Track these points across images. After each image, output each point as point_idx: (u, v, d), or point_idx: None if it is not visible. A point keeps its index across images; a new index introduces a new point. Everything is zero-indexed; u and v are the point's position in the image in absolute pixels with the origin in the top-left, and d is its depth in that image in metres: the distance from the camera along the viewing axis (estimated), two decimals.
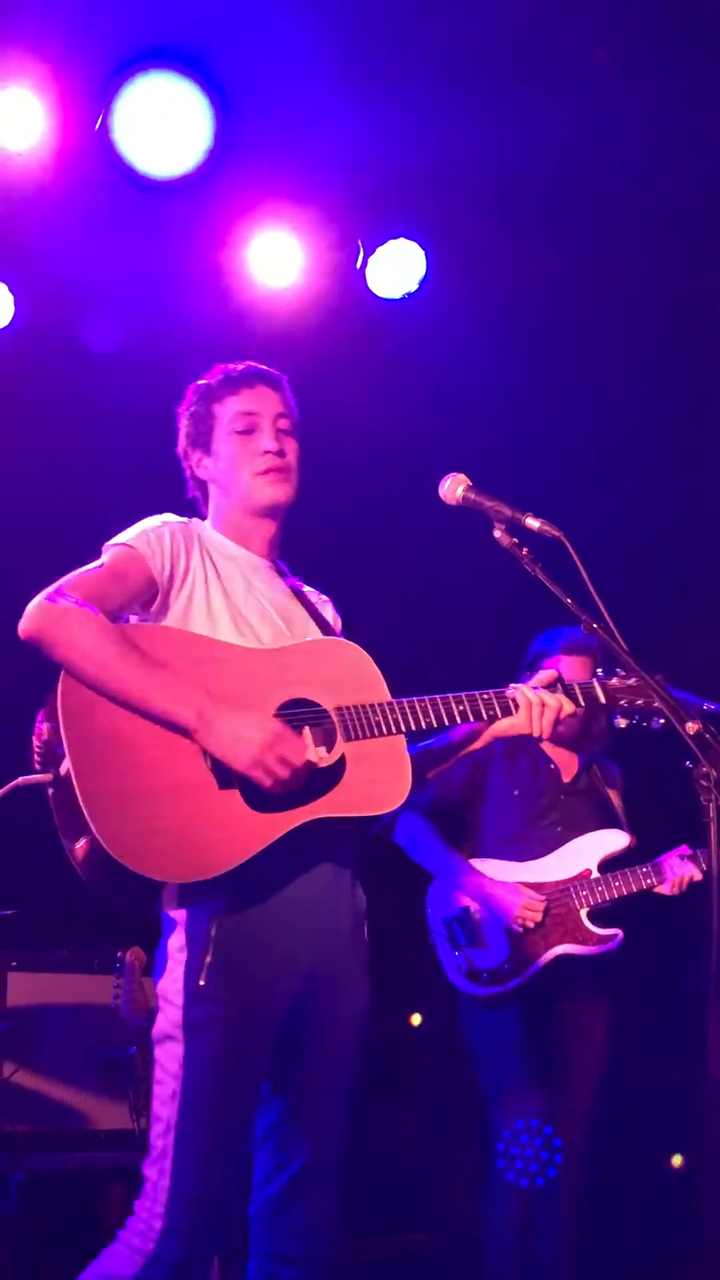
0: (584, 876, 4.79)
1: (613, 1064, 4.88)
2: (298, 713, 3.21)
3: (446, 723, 3.32)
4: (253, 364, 3.60)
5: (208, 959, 3.07)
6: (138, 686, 3.09)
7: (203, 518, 3.57)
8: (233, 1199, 3.11)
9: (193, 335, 5.94)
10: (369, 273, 5.99)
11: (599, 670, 3.53)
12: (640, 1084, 5.78)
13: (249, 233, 5.86)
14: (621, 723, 3.48)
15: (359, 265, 5.97)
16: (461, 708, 3.33)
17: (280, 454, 3.46)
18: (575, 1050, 4.82)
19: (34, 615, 3.15)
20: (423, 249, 6.00)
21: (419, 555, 6.26)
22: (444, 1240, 5.62)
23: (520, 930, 4.71)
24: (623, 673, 3.47)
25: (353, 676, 3.28)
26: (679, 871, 4.76)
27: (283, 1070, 3.19)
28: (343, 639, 3.40)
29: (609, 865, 4.82)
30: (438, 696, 3.32)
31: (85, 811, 2.99)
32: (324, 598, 3.64)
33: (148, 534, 3.33)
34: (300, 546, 3.64)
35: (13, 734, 3.54)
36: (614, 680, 3.46)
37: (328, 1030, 3.22)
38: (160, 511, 3.45)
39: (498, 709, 3.38)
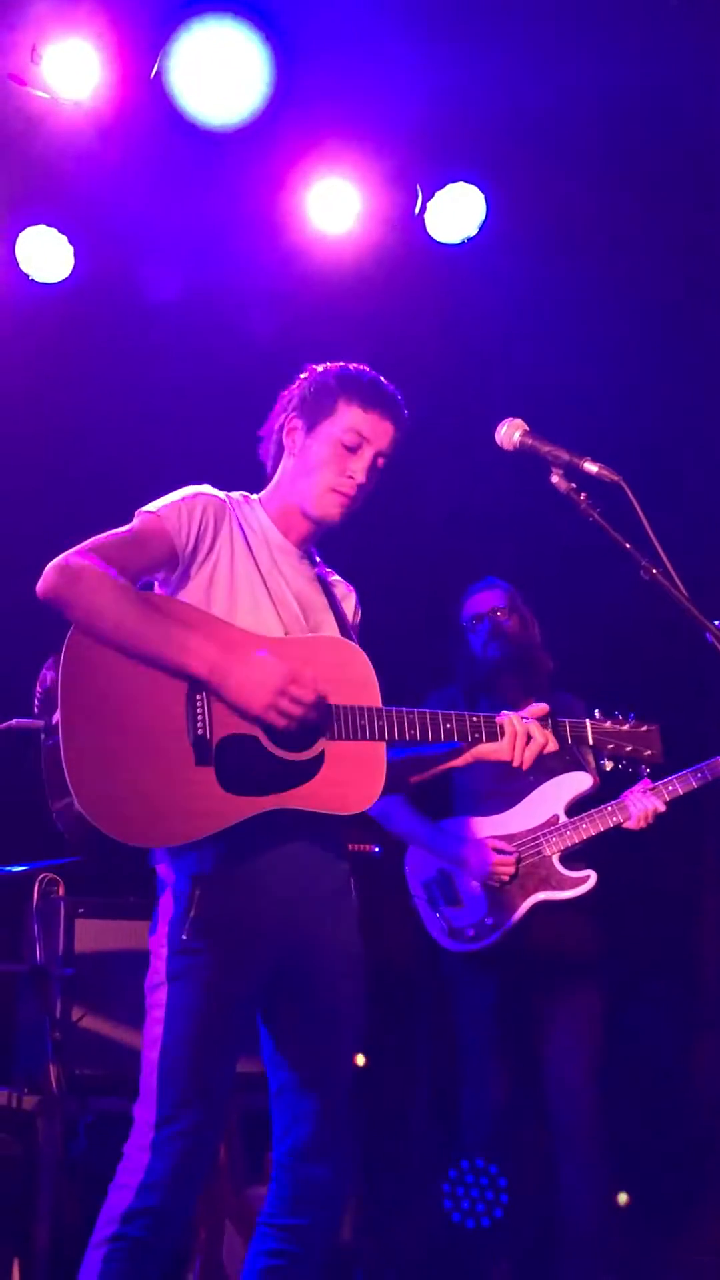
0: (552, 822, 4.85)
1: (608, 1033, 4.93)
2: None
3: (430, 738, 3.40)
4: (392, 389, 3.57)
5: (190, 914, 3.18)
6: (150, 638, 3.17)
7: (268, 475, 3.61)
8: (214, 1131, 3.24)
9: (251, 284, 5.94)
10: (428, 217, 5.94)
11: (596, 711, 3.61)
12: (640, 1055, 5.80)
13: (307, 179, 5.83)
14: (608, 765, 3.57)
15: (418, 210, 5.92)
16: (449, 726, 3.42)
17: (361, 488, 3.50)
18: (559, 1021, 4.88)
19: (50, 574, 3.22)
20: (482, 192, 5.94)
21: (475, 501, 6.23)
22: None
23: (496, 885, 4.79)
24: (619, 716, 3.57)
25: (348, 677, 3.35)
26: (643, 805, 4.80)
27: (284, 1032, 3.35)
28: (346, 640, 3.46)
29: (575, 808, 4.87)
30: (427, 711, 3.40)
31: (65, 768, 3.08)
32: (349, 589, 3.69)
33: (178, 506, 3.37)
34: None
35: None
36: (608, 724, 3.56)
37: (322, 998, 3.34)
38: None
39: (484, 733, 3.47)
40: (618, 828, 4.82)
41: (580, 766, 4.95)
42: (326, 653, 3.39)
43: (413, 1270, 5.24)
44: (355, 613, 3.69)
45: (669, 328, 6.17)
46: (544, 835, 4.84)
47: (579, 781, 4.90)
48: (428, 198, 5.91)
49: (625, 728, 3.58)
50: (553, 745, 3.51)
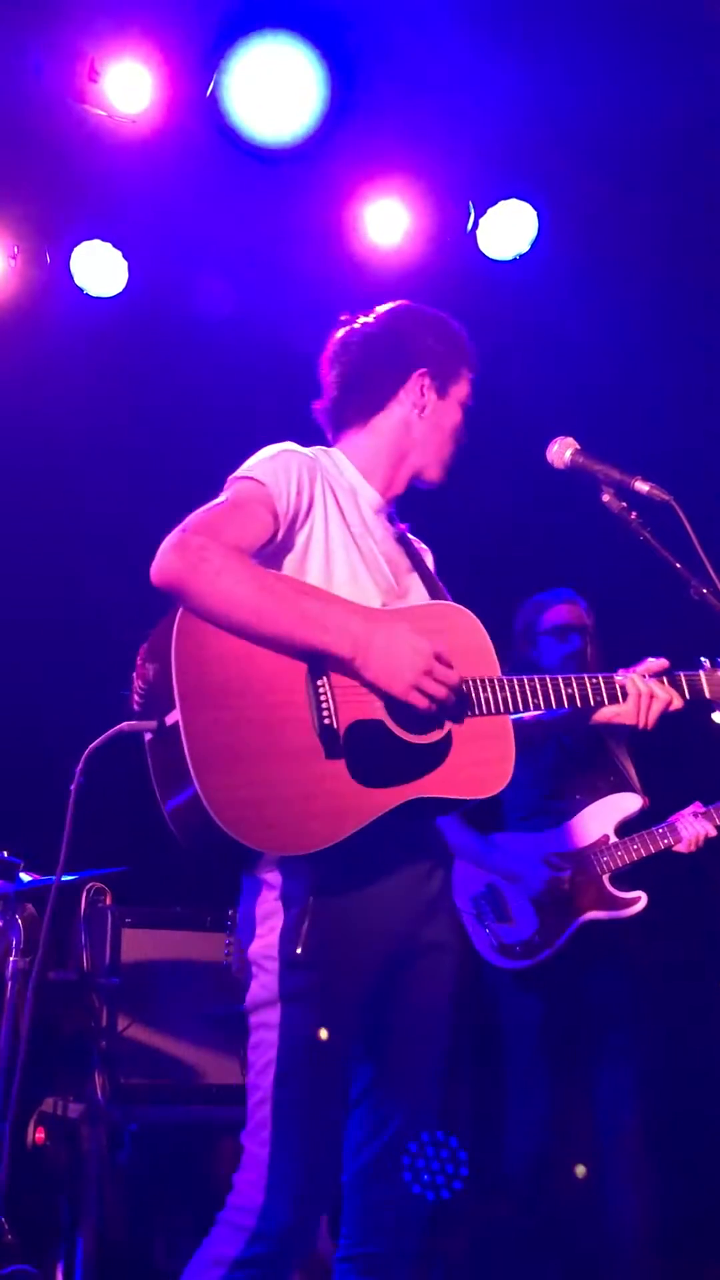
0: (603, 842, 4.81)
1: (648, 1045, 4.89)
2: None
3: (554, 705, 3.21)
4: None
5: (304, 927, 2.95)
6: (291, 622, 2.94)
7: (342, 416, 3.38)
8: (333, 1165, 3.05)
9: (303, 300, 5.95)
10: (480, 234, 5.96)
11: (704, 661, 3.40)
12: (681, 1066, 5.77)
13: (359, 196, 5.86)
14: (716, 716, 3.37)
15: (470, 227, 5.94)
16: (570, 691, 3.23)
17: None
18: (607, 1040, 4.83)
19: (169, 561, 2.96)
20: (535, 209, 5.96)
21: (527, 518, 6.23)
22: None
23: (548, 902, 4.76)
24: None
25: (466, 647, 3.13)
26: (695, 829, 4.78)
27: (374, 1037, 3.10)
28: (457, 606, 3.24)
29: (625, 828, 4.85)
30: (547, 676, 3.21)
31: (191, 768, 2.85)
32: (425, 548, 3.48)
33: (274, 466, 3.14)
34: (406, 510, 3.63)
35: (111, 674, 3.39)
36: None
37: (419, 999, 3.13)
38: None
39: (605, 695, 3.27)
40: (668, 850, 4.80)
41: (629, 787, 4.93)
42: (444, 620, 3.16)
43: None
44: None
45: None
46: (594, 855, 4.81)
47: (629, 802, 4.87)
48: (480, 214, 5.93)
49: None
50: (678, 702, 3.30)
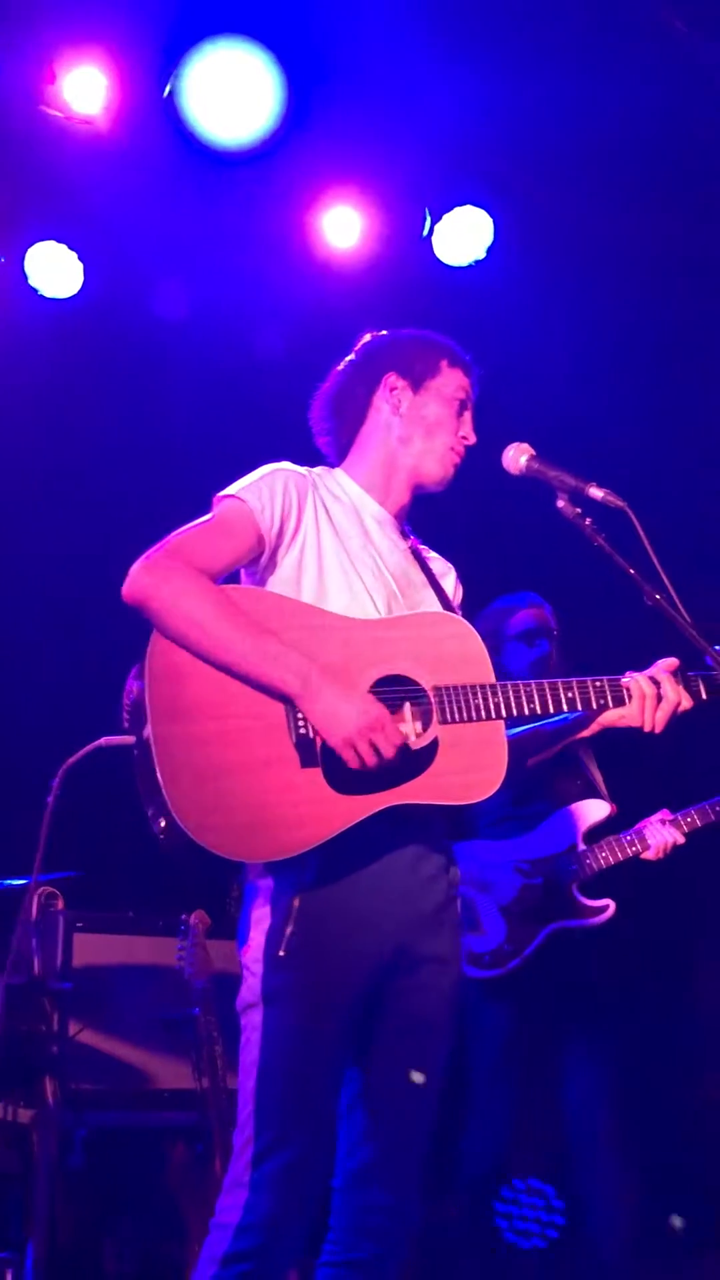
0: (571, 850, 4.78)
1: (622, 1063, 4.86)
2: (395, 690, 3.09)
3: (552, 710, 3.18)
4: None
5: (289, 929, 2.99)
6: (242, 652, 2.98)
7: (339, 444, 3.44)
8: (320, 1165, 3.06)
9: (259, 303, 5.96)
10: (436, 240, 5.97)
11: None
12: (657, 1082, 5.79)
13: (315, 201, 5.87)
14: None
15: (425, 233, 5.95)
16: (570, 695, 3.19)
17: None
18: (576, 1051, 4.79)
19: (136, 579, 3.04)
20: (490, 216, 5.97)
21: (481, 525, 6.25)
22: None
23: (517, 910, 4.74)
24: None
25: (456, 655, 3.14)
26: (663, 837, 4.74)
27: (367, 1045, 3.10)
28: (450, 614, 3.27)
29: (593, 835, 4.81)
30: (545, 681, 3.19)
31: (161, 783, 2.92)
32: (448, 566, 3.50)
33: (259, 486, 3.18)
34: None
35: (103, 691, 3.48)
36: None
37: (415, 1007, 3.12)
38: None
39: (609, 698, 3.23)
40: (636, 858, 4.76)
41: (596, 792, 4.90)
42: (433, 629, 3.18)
43: None
44: (456, 591, 3.48)
45: (677, 351, 6.20)
46: (563, 862, 4.78)
47: (597, 809, 4.82)
48: (436, 221, 5.94)
49: None
50: (687, 703, 3.24)
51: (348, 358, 3.49)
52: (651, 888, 5.11)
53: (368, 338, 3.51)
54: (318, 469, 3.39)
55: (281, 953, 2.99)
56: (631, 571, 3.18)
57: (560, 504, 3.27)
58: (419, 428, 3.37)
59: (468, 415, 3.41)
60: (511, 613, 5.10)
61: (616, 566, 3.20)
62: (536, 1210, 4.66)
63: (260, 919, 3.06)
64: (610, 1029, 4.85)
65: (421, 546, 3.47)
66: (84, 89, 5.25)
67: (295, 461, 3.34)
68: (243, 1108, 3.02)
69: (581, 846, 4.79)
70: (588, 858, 4.76)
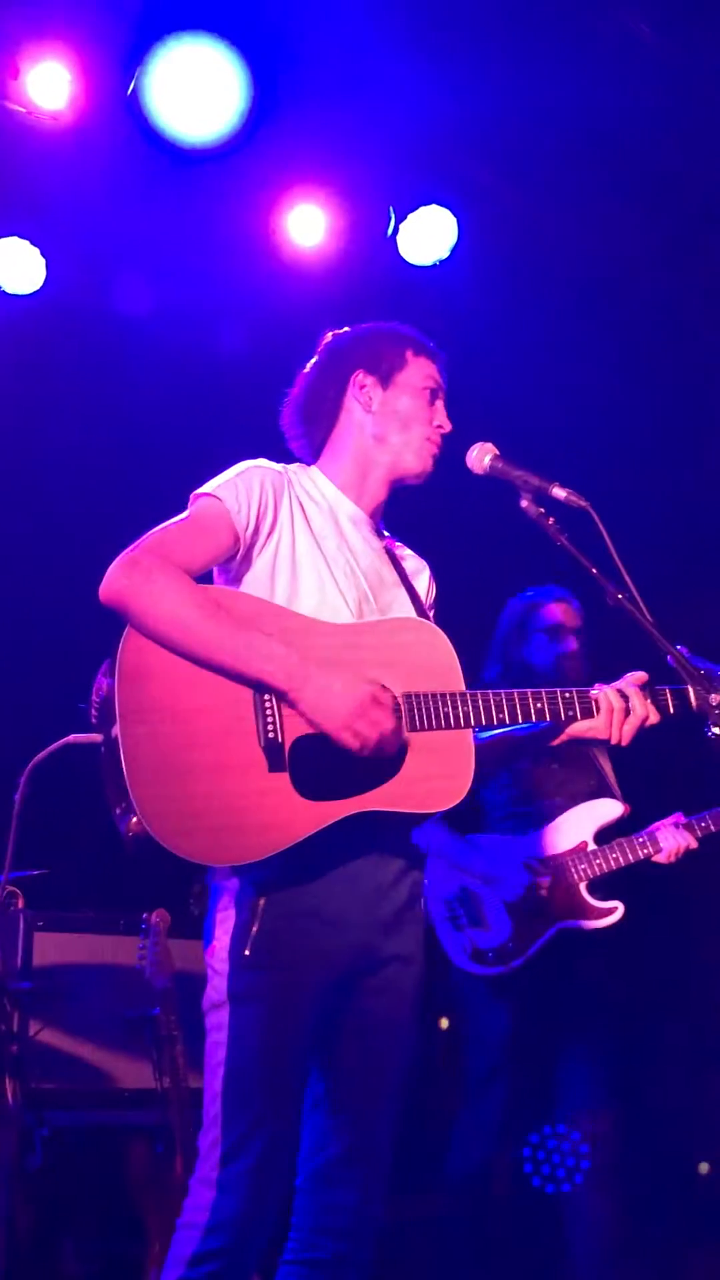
0: (581, 849, 4.74)
1: (624, 1063, 4.84)
2: None
3: (520, 720, 3.18)
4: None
5: (254, 929, 3.01)
6: (225, 647, 2.98)
7: (313, 446, 3.42)
8: (284, 1164, 3.06)
9: (222, 301, 5.95)
10: (400, 239, 5.98)
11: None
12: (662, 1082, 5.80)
13: (280, 198, 5.86)
14: (716, 731, 3.20)
15: (390, 232, 5.95)
16: (539, 705, 3.19)
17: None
18: (574, 1052, 4.77)
19: (116, 579, 3.02)
20: (454, 216, 5.98)
21: (445, 524, 6.26)
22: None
23: (524, 908, 4.69)
24: None
25: (427, 662, 3.14)
26: (676, 841, 4.72)
27: (330, 1045, 3.12)
28: (422, 620, 3.26)
29: (604, 835, 4.77)
30: (515, 691, 3.18)
31: (128, 784, 2.91)
32: (421, 564, 3.50)
33: (235, 484, 3.18)
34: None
35: (70, 688, 3.46)
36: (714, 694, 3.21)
37: (376, 1007, 3.13)
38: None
39: (578, 710, 3.23)
40: (647, 860, 4.72)
41: (608, 790, 4.86)
42: (405, 635, 3.17)
43: None
44: (429, 589, 3.47)
45: (639, 351, 6.22)
46: (573, 861, 4.72)
47: (609, 809, 4.78)
48: (400, 220, 5.95)
49: None
50: (654, 717, 3.25)
51: (312, 359, 3.47)
52: (657, 889, 5.06)
53: (330, 337, 3.49)
54: (293, 466, 3.38)
55: (247, 952, 3.00)
56: (595, 571, 3.19)
57: (524, 504, 3.27)
58: (393, 423, 3.36)
59: (440, 403, 3.41)
60: (538, 606, 5.06)
61: (580, 566, 3.20)
62: (564, 1155, 4.60)
63: (225, 919, 3.07)
64: (610, 1031, 4.81)
65: (396, 544, 3.47)
66: (48, 84, 5.21)
67: (262, 458, 3.32)
68: (209, 1108, 3.02)
69: (592, 846, 4.74)
70: (598, 858, 4.71)
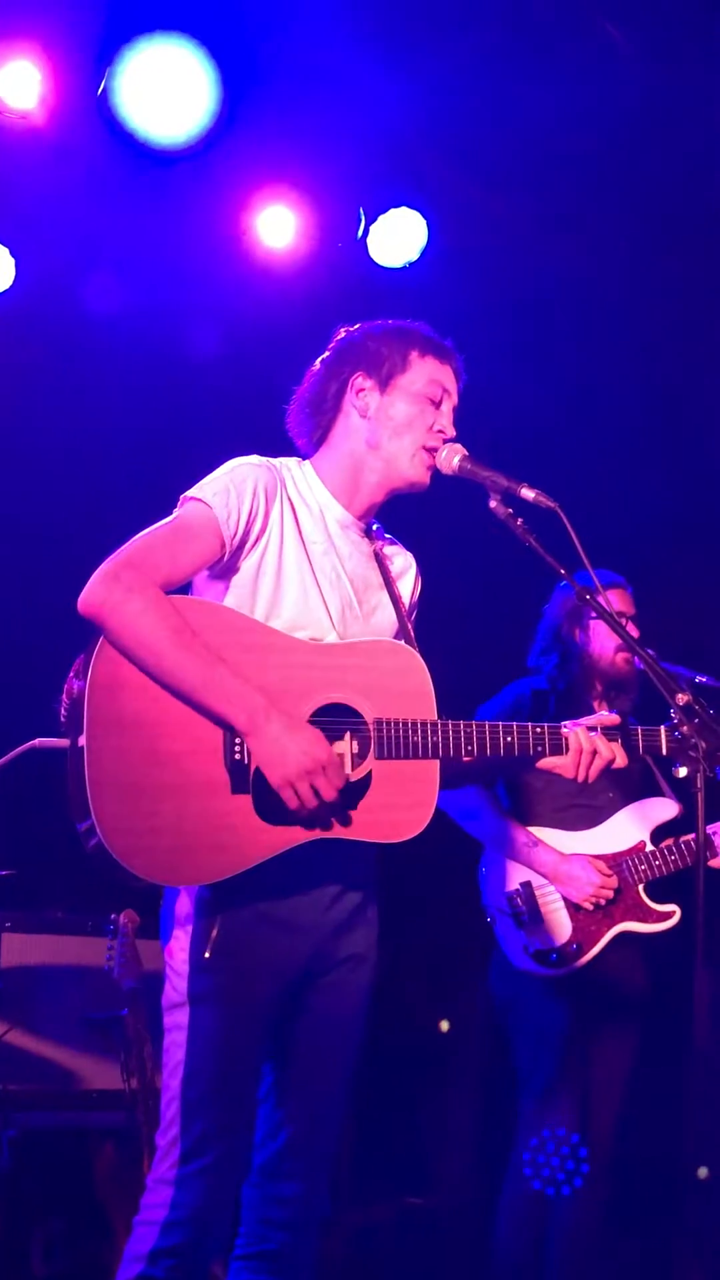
0: (639, 849, 4.66)
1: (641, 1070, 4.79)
2: (337, 721, 3.07)
3: (489, 754, 3.17)
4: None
5: (214, 932, 3.02)
6: (194, 685, 2.96)
7: (312, 443, 3.38)
8: (243, 1161, 3.10)
9: (192, 301, 5.94)
10: (370, 241, 5.98)
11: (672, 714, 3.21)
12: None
13: (250, 200, 5.86)
14: (681, 772, 3.20)
15: (360, 234, 5.96)
16: (509, 739, 3.19)
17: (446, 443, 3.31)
18: (607, 1054, 4.71)
19: (95, 592, 3.00)
20: (424, 218, 5.99)
21: (413, 525, 6.27)
22: (444, 1205, 5.62)
23: (587, 907, 4.58)
24: (699, 721, 3.14)
25: (401, 688, 3.12)
26: None
27: (281, 1040, 3.15)
28: (399, 644, 3.22)
29: (657, 835, 4.70)
30: (485, 723, 3.17)
31: (90, 800, 2.91)
32: (408, 561, 3.47)
33: (226, 488, 3.14)
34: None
35: (37, 690, 3.41)
36: (684, 728, 3.16)
37: (326, 1005, 3.17)
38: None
39: (546, 746, 3.22)
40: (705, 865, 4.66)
41: (655, 786, 4.77)
42: (382, 658, 3.15)
43: None
44: (414, 588, 3.45)
45: (610, 353, 6.24)
46: (631, 862, 4.64)
47: (665, 809, 4.71)
48: (370, 222, 5.95)
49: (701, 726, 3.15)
50: (621, 760, 3.25)
51: (322, 355, 3.43)
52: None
53: (341, 333, 3.45)
54: (289, 461, 3.35)
55: (207, 954, 3.02)
56: (563, 571, 3.21)
57: (493, 504, 3.29)
58: (385, 430, 3.31)
59: (446, 407, 3.34)
60: (600, 591, 4.94)
61: (548, 567, 3.22)
62: (564, 1157, 4.54)
63: (185, 919, 3.09)
64: (636, 1040, 4.75)
65: (385, 543, 3.45)
66: (18, 84, 5.20)
67: (254, 455, 3.29)
68: (167, 1107, 3.05)
69: (649, 847, 4.67)
70: (657, 858, 4.64)
